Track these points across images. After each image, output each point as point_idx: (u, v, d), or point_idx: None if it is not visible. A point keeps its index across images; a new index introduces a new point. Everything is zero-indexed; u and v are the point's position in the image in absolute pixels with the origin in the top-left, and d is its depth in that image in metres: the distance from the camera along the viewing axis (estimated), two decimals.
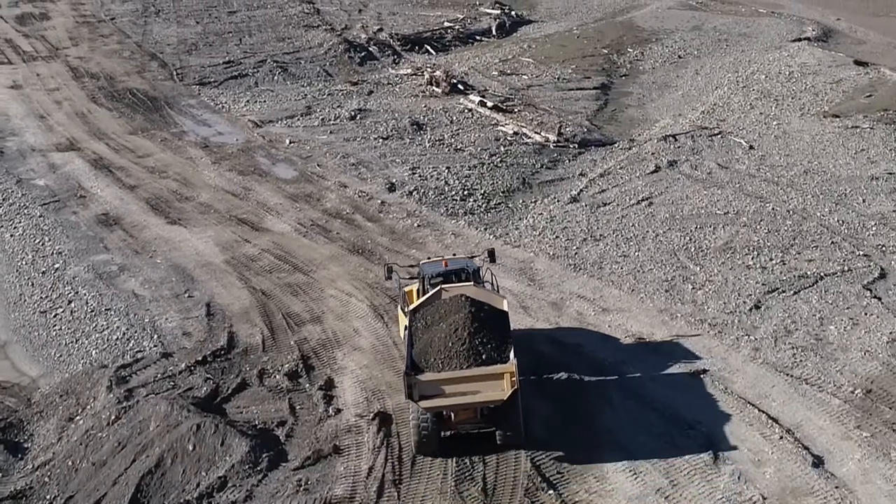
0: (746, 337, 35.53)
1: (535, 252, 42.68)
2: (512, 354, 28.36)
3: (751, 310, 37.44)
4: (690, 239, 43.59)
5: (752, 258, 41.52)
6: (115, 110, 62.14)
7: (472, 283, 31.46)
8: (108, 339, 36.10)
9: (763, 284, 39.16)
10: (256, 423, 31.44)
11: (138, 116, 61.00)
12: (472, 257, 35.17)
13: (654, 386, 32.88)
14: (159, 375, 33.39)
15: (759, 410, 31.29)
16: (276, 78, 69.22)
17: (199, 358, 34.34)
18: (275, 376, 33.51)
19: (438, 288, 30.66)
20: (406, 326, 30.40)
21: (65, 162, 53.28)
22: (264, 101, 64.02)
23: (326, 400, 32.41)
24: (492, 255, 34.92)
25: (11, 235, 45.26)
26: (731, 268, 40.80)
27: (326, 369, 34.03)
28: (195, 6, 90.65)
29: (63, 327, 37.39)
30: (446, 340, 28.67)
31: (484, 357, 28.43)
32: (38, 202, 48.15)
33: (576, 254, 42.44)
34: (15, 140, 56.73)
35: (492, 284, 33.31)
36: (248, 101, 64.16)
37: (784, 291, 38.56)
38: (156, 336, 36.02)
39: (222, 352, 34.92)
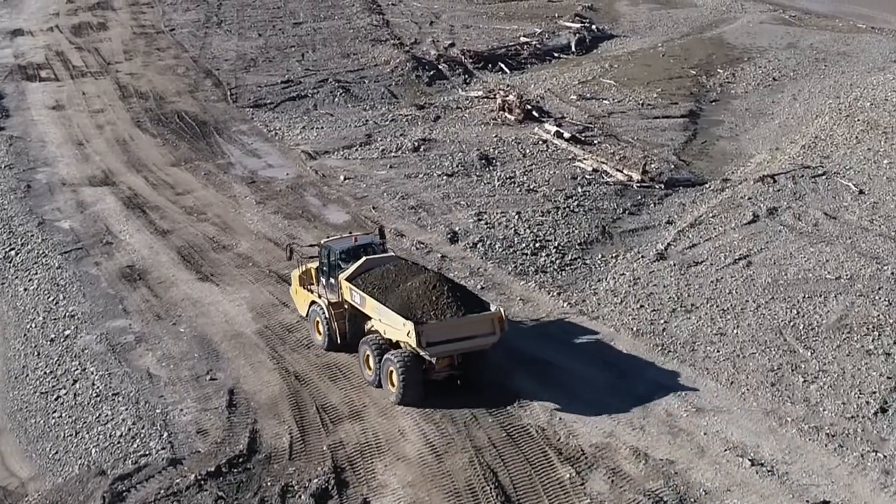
0: (873, 454, 29.40)
1: (615, 326, 36.73)
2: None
3: (876, 414, 31.34)
4: (798, 312, 37.41)
5: (873, 340, 35.40)
6: (160, 137, 57.13)
7: (391, 254, 34.86)
8: (111, 435, 30.75)
9: (889, 378, 33.02)
10: None
11: (183, 145, 55.87)
12: (367, 233, 37.41)
13: None
14: (162, 491, 27.94)
15: None
16: (336, 100, 63.89)
17: (213, 468, 28.78)
18: (300, 496, 27.77)
19: (365, 258, 33.40)
20: (317, 301, 34.56)
21: (95, 199, 48.24)
22: (321, 128, 58.64)
23: None
24: (381, 231, 36.85)
25: (25, 289, 40.30)
26: (848, 353, 34.62)
27: (363, 487, 28.34)
28: (259, 17, 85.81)
29: (64, 414, 32.17)
30: (427, 295, 31.05)
31: (467, 305, 31.36)
32: (59, 249, 43.15)
33: (664, 330, 36.41)
34: (46, 172, 51.88)
35: None
36: (303, 126, 58.86)
37: None
38: (166, 434, 30.55)
39: (241, 459, 29.35)
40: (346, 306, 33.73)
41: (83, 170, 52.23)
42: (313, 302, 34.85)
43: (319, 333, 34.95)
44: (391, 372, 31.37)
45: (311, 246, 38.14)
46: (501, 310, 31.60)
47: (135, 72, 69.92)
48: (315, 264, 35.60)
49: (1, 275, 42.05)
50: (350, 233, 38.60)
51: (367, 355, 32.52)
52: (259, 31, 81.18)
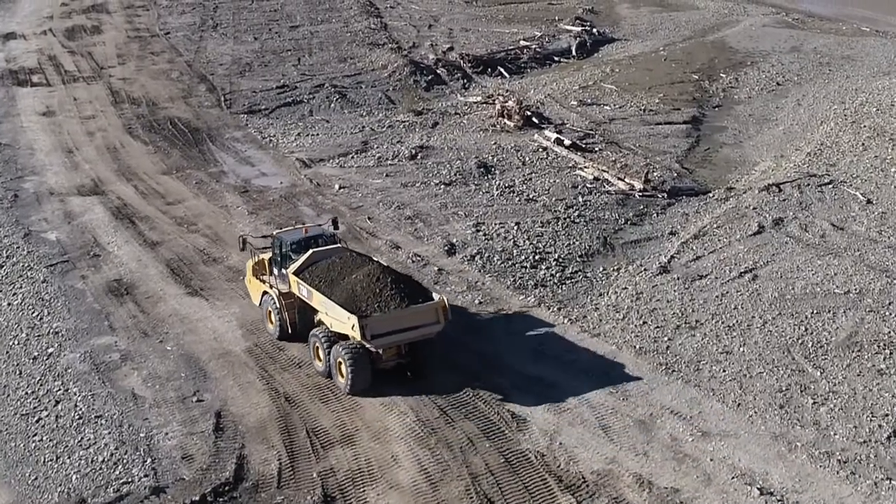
0: (887, 482, 28.23)
1: (618, 344, 35.50)
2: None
3: (889, 438, 30.17)
4: (806, 329, 36.16)
5: (885, 358, 34.22)
6: (152, 144, 55.91)
7: (339, 245, 35.16)
8: (92, 461, 29.47)
9: None
10: None
11: (175, 152, 54.65)
12: (320, 225, 37.66)
13: None
14: None
15: None
16: (332, 105, 62.62)
17: (197, 497, 27.54)
18: None
19: (311, 251, 33.85)
20: (268, 292, 35.14)
21: (84, 209, 47.00)
22: (317, 135, 57.35)
23: None
24: (335, 222, 37.60)
25: (9, 304, 39.05)
26: (858, 373, 33.38)
27: None
28: (256, 20, 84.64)
29: (45, 437, 30.89)
30: (371, 287, 31.71)
31: (411, 296, 31.94)
32: (45, 262, 41.92)
33: (667, 348, 35.14)
34: (34, 181, 50.65)
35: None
36: (298, 133, 57.58)
37: None
38: (149, 460, 29.28)
39: (227, 487, 28.09)
40: (295, 297, 34.19)
41: (72, 178, 51.00)
42: (265, 292, 35.42)
43: (272, 323, 35.46)
44: (340, 363, 31.88)
45: (263, 237, 38.16)
46: (445, 299, 32.28)
47: (128, 76, 68.78)
48: (268, 255, 36.03)
49: None
50: (303, 224, 39.26)
51: (317, 347, 32.99)
52: (255, 34, 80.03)
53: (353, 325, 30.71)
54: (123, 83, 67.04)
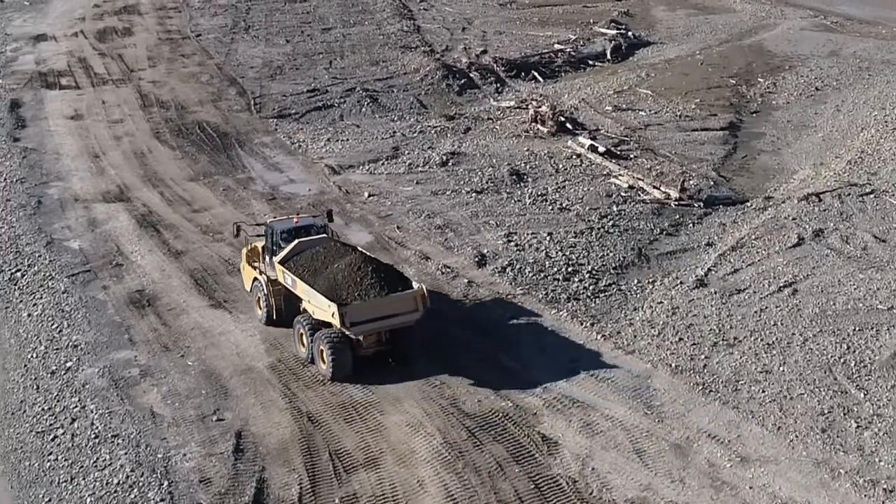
0: None
1: (652, 362, 34.24)
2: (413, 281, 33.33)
3: None
4: (848, 347, 34.83)
5: None
6: (179, 149, 55.02)
7: (324, 235, 35.93)
8: (107, 483, 28.54)
9: None
10: None
11: (203, 158, 53.76)
12: (315, 216, 38.31)
13: None
14: None
15: None
16: (363, 110, 61.56)
17: None
18: None
19: (296, 241, 34.79)
20: (258, 278, 36.14)
21: (108, 217, 46.15)
22: (347, 140, 56.32)
23: None
24: (329, 215, 38.80)
25: (29, 315, 38.19)
26: None
27: None
28: (288, 22, 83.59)
29: (60, 457, 29.99)
30: (352, 276, 32.65)
31: (390, 285, 32.73)
32: (67, 271, 41.06)
33: (704, 367, 33.88)
34: (58, 187, 49.84)
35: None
36: (328, 139, 56.57)
37: None
38: (166, 483, 28.29)
39: None
40: (281, 285, 35.20)
41: (97, 184, 50.17)
42: (255, 278, 36.48)
43: (260, 308, 36.56)
44: (322, 351, 32.73)
45: (258, 225, 38.87)
46: (423, 287, 33.08)
47: (157, 79, 67.96)
48: (262, 242, 37.04)
49: (5, 298, 39.93)
50: (297, 214, 40.00)
51: (301, 333, 33.88)
52: (287, 37, 79.05)
53: (333, 313, 31.57)
54: (153, 86, 66.24)
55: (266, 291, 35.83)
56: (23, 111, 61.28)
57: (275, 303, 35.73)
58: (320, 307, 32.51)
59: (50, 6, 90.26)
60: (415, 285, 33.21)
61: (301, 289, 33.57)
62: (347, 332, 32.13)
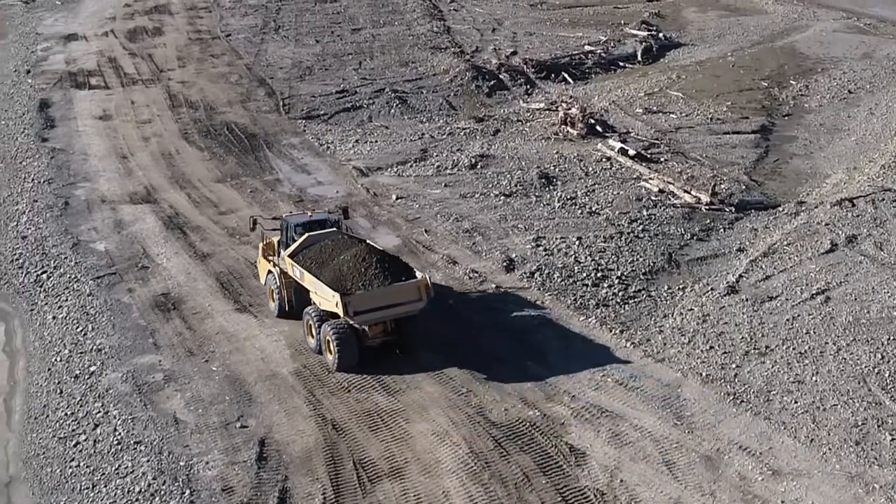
0: None
1: (683, 371, 33.66)
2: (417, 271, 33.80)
3: None
4: (882, 357, 34.20)
5: None
6: (207, 150, 54.76)
7: (335, 229, 36.66)
8: (129, 491, 28.25)
9: None
10: None
11: (231, 159, 53.47)
12: (331, 212, 39.61)
13: None
14: None
15: None
16: (392, 111, 61.10)
17: None
18: None
19: (306, 235, 35.60)
20: (272, 271, 36.72)
21: (134, 218, 45.92)
22: (375, 142, 55.90)
23: None
24: (346, 211, 39.86)
25: (54, 318, 38.01)
26: None
27: None
28: (318, 22, 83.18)
29: (82, 463, 29.73)
30: (357, 267, 33.27)
31: (394, 275, 33.33)
32: (92, 274, 40.84)
33: (735, 376, 33.28)
34: (86, 188, 49.67)
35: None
36: (356, 140, 56.17)
37: None
38: (188, 492, 27.97)
39: None
40: (291, 277, 35.86)
41: (124, 185, 49.98)
42: (269, 271, 37.09)
43: (273, 301, 37.17)
44: (328, 341, 33.20)
45: (273, 219, 39.68)
46: (427, 277, 33.64)
47: (187, 80, 67.73)
48: (277, 236, 37.77)
49: (31, 300, 39.83)
50: (312, 209, 41.90)
51: (310, 324, 34.35)
52: (317, 37, 78.67)
53: (337, 303, 32.19)
54: (182, 86, 66.03)
55: (278, 284, 36.42)
56: (52, 111, 61.19)
57: (286, 295, 36.33)
58: (325, 298, 33.18)
59: (81, 6, 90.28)
60: (418, 275, 33.72)
61: (308, 280, 34.21)
62: (351, 322, 32.60)
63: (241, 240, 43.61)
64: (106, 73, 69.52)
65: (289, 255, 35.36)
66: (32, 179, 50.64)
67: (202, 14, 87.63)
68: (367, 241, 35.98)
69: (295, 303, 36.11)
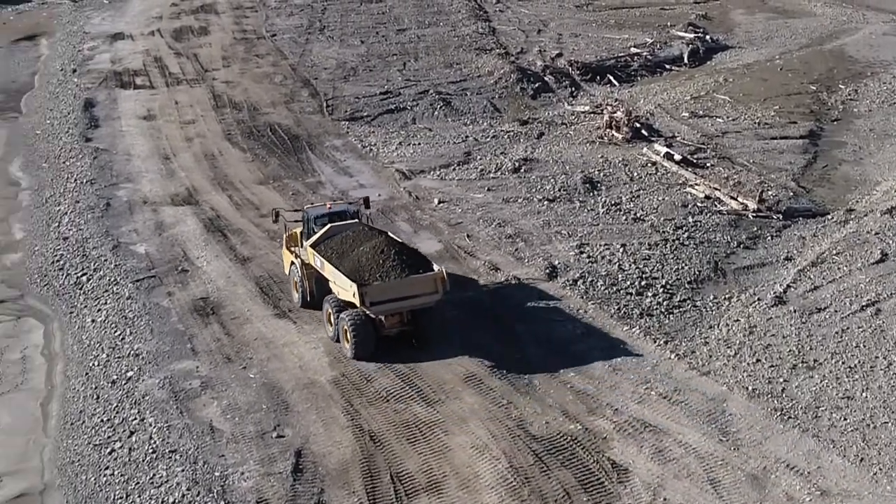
0: None
1: (728, 385, 32.91)
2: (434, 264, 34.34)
3: None
4: None
5: None
6: (250, 151, 54.47)
7: (356, 220, 37.34)
8: (162, 501, 28.03)
9: None
10: None
11: (273, 160, 53.17)
12: (351, 203, 39.83)
13: None
14: None
15: None
16: (436, 113, 60.58)
17: None
18: None
19: (329, 225, 36.34)
20: (294, 262, 37.46)
21: (176, 220, 45.70)
22: (418, 144, 55.43)
23: None
24: (366, 202, 40.41)
25: (93, 321, 37.83)
26: None
27: None
28: (363, 22, 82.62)
29: (116, 472, 29.45)
30: (375, 258, 33.92)
31: (412, 267, 33.92)
32: (132, 276, 40.63)
33: (783, 391, 32.51)
34: (128, 188, 49.55)
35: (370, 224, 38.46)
36: (400, 142, 55.69)
37: None
38: (222, 503, 27.36)
39: None
40: (313, 268, 36.45)
41: (166, 187, 49.77)
42: (292, 262, 37.81)
43: (296, 291, 37.85)
44: (345, 330, 33.83)
45: (295, 211, 40.73)
46: (443, 270, 34.19)
47: (231, 80, 67.50)
48: (300, 228, 38.36)
49: (71, 303, 39.66)
50: (333, 201, 42.54)
51: (329, 313, 35.07)
52: (361, 37, 78.19)
53: (354, 293, 32.84)
54: (226, 86, 65.82)
55: (301, 275, 36.97)
56: (96, 111, 61.17)
57: (308, 286, 36.92)
58: (343, 287, 33.85)
59: (128, 5, 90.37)
60: (435, 268, 34.20)
61: (328, 270, 34.87)
62: (368, 312, 33.26)
63: (281, 243, 43.11)
64: (151, 73, 69.42)
65: (311, 245, 35.96)
66: (75, 180, 50.59)
67: (248, 14, 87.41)
68: (388, 233, 36.55)
69: (316, 293, 36.61)
